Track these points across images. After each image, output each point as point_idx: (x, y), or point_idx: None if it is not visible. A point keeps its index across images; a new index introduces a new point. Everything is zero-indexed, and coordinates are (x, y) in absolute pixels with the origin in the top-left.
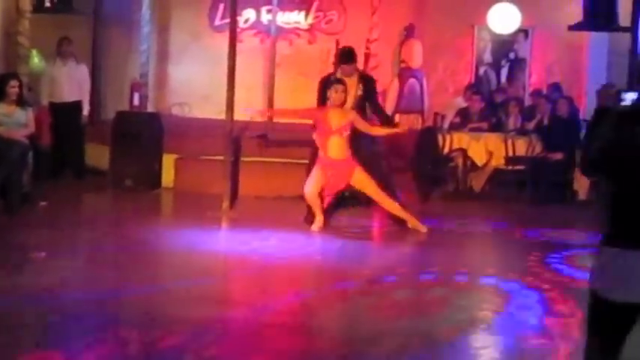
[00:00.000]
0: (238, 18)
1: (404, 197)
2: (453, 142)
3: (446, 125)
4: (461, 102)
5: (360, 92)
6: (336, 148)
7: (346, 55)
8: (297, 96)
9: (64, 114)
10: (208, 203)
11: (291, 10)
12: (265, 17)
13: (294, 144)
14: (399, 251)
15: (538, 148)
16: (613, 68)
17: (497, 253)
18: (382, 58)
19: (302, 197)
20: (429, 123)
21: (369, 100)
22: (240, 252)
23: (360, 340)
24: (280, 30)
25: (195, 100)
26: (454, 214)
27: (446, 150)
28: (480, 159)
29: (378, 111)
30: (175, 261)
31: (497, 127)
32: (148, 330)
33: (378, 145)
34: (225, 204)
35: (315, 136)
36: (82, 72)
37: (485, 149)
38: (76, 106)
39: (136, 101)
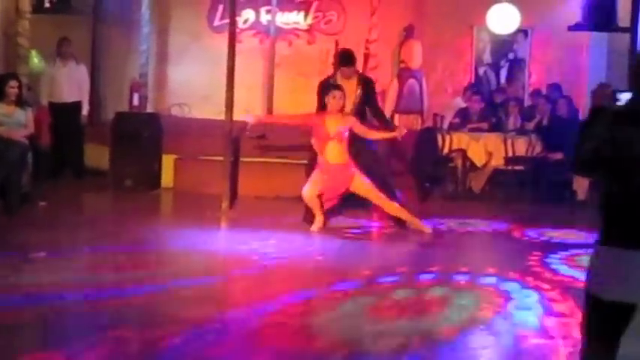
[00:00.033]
0: (237, 18)
1: (404, 198)
2: (453, 142)
3: (445, 125)
4: (460, 102)
5: (359, 95)
6: (334, 153)
7: (346, 58)
8: (296, 96)
9: (64, 114)
10: (208, 203)
11: (291, 10)
12: (264, 18)
13: (293, 148)
14: (399, 251)
15: (538, 149)
16: (613, 68)
17: (497, 253)
18: (381, 59)
19: (301, 198)
20: (429, 123)
21: (368, 103)
22: (240, 252)
23: (360, 340)
24: (279, 30)
25: (195, 100)
26: (454, 214)
27: (445, 150)
28: (479, 159)
29: (378, 114)
30: (175, 261)
31: (496, 127)
32: (148, 330)
33: (378, 146)
34: (225, 204)
35: (313, 141)
36: (82, 72)
37: (485, 149)
38: (76, 106)
39: (136, 102)
